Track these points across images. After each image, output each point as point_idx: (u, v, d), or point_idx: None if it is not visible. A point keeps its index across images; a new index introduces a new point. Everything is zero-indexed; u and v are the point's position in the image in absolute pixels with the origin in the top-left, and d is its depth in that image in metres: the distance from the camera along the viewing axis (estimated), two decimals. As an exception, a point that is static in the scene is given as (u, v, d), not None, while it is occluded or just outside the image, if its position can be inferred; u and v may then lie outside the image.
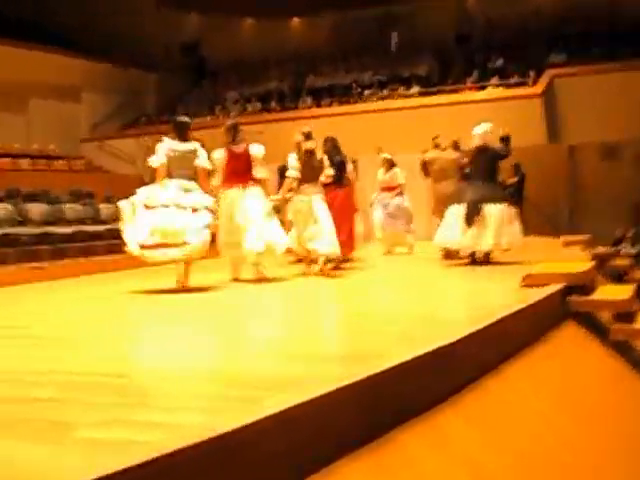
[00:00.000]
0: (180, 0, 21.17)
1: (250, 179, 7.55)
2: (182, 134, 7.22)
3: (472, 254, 8.70)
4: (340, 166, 9.02)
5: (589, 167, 15.87)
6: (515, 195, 15.03)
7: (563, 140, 15.82)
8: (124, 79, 20.47)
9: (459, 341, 3.75)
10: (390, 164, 11.71)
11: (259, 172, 7.63)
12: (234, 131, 7.75)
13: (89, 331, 4.97)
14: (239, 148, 7.68)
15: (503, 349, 4.41)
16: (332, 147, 9.20)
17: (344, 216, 8.73)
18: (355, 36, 21.06)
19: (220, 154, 7.65)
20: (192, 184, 6.96)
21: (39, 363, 3.81)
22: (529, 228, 14.86)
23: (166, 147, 7.14)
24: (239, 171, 7.53)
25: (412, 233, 11.46)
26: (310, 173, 7.93)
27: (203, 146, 7.35)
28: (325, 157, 8.21)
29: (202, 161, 7.08)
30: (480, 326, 4.08)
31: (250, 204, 7.46)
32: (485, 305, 5.28)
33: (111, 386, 3.19)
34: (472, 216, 8.33)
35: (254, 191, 7.54)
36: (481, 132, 9.15)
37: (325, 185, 8.08)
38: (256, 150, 7.71)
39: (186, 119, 7.54)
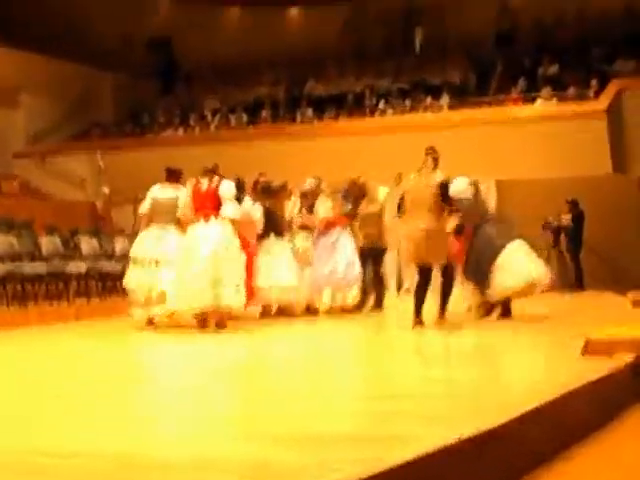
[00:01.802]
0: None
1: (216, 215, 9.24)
2: (170, 179, 9.81)
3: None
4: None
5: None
6: (571, 238, 15.19)
7: (632, 170, 15.98)
8: (74, 79, 20.70)
9: (508, 423, 3.77)
10: None
11: (227, 211, 9.26)
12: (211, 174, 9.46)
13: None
14: (205, 184, 9.37)
15: (560, 436, 4.42)
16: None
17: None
18: (370, 32, 21.34)
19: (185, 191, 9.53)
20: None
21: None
22: (588, 281, 15.11)
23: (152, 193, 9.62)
24: (204, 207, 9.23)
25: None
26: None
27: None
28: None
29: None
30: (532, 406, 4.10)
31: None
32: (536, 380, 5.31)
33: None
34: None
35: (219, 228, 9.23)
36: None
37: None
38: (225, 188, 9.35)
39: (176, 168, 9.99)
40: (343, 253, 11.34)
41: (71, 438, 3.89)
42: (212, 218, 9.19)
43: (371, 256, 11.73)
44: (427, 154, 9.36)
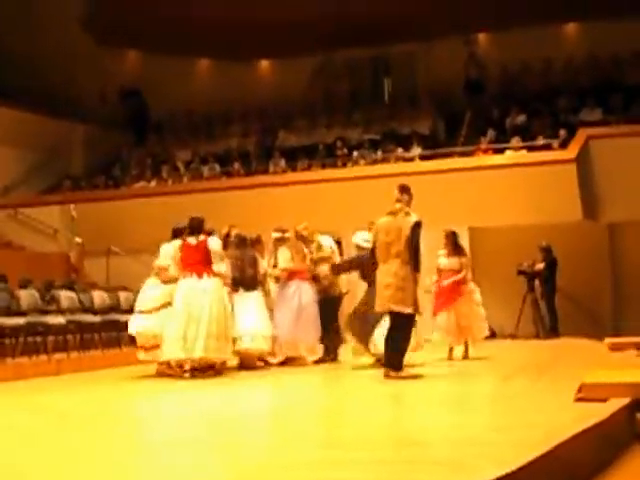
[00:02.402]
0: (119, 35, 21.62)
1: (208, 271, 9.85)
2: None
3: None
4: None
5: (635, 250, 16.25)
6: (545, 284, 15.36)
7: (602, 217, 16.25)
8: (45, 131, 20.71)
9: (521, 469, 3.83)
10: None
11: (217, 267, 9.93)
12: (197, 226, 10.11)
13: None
14: (194, 240, 9.99)
15: (572, 479, 4.49)
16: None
17: None
18: (340, 83, 21.62)
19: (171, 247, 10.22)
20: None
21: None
22: (562, 327, 15.28)
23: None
24: (194, 262, 9.84)
25: None
26: None
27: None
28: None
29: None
30: (543, 450, 4.17)
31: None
32: (537, 425, 5.37)
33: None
34: None
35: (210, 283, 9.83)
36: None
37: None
38: (215, 243, 10.07)
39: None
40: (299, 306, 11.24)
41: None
42: (204, 274, 9.79)
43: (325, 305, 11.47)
44: (399, 194, 8.99)
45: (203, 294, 9.71)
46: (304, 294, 11.30)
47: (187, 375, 9.70)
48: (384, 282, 8.81)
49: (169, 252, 10.36)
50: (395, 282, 8.70)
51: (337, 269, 11.25)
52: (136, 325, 10.44)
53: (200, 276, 9.84)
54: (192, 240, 10.01)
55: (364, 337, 10.39)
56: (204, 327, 9.54)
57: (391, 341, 8.81)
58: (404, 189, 9.09)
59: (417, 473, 4.05)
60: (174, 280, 10.11)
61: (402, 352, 8.78)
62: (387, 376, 8.73)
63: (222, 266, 10.05)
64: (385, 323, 9.39)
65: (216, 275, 9.91)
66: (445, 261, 11.62)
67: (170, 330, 9.65)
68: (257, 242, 11.56)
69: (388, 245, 8.81)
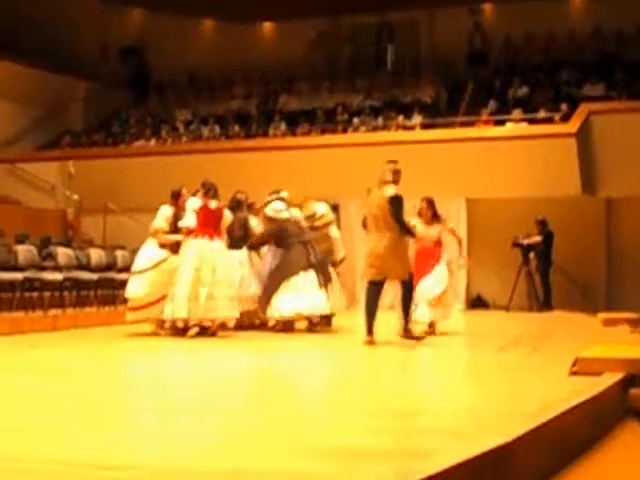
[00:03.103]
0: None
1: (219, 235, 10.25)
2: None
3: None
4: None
5: (632, 226, 16.30)
6: (540, 257, 15.41)
7: (600, 192, 16.26)
8: (45, 86, 20.63)
9: (519, 439, 3.89)
10: None
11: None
12: (213, 192, 10.30)
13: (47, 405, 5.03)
14: (214, 204, 10.26)
15: (562, 452, 4.56)
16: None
17: None
18: (343, 49, 21.53)
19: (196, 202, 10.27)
20: None
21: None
22: (558, 301, 15.37)
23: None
24: (210, 224, 10.12)
25: None
26: None
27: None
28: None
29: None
30: (540, 421, 4.23)
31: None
32: (533, 397, 5.45)
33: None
34: None
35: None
36: None
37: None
38: (228, 214, 10.56)
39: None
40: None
41: (109, 450, 3.94)
42: (215, 237, 10.17)
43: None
44: (387, 166, 9.23)
45: (214, 255, 9.98)
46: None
47: (192, 333, 9.82)
48: (375, 252, 9.10)
49: (167, 214, 10.57)
50: (386, 254, 9.00)
51: (253, 244, 11.41)
52: (129, 289, 10.60)
53: (212, 239, 10.09)
54: (212, 204, 10.23)
55: (264, 300, 10.77)
56: (217, 288, 9.81)
57: (402, 308, 9.20)
58: (392, 162, 9.34)
59: (419, 440, 4.12)
60: (170, 243, 10.40)
61: (409, 315, 9.26)
62: (371, 343, 9.05)
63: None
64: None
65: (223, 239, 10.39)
66: (423, 230, 11.33)
67: (178, 289, 9.81)
68: (250, 207, 11.71)
69: (375, 217, 9.14)
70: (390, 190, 9.01)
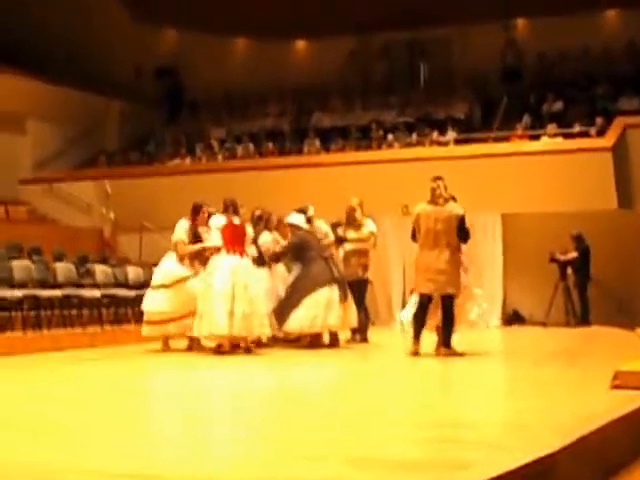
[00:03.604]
0: (157, 13, 21.72)
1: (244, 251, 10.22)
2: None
3: None
4: None
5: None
6: (578, 272, 15.34)
7: (636, 206, 16.18)
8: (81, 106, 20.87)
9: (559, 452, 3.89)
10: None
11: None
12: (232, 208, 10.31)
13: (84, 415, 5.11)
14: (237, 220, 10.30)
15: (603, 466, 4.55)
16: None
17: None
18: (375, 65, 21.60)
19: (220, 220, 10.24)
20: None
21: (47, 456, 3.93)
22: (596, 316, 15.26)
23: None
24: (237, 241, 10.14)
25: None
26: None
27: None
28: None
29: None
30: (580, 434, 4.23)
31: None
32: (572, 411, 5.43)
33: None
34: None
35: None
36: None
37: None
38: (250, 230, 10.60)
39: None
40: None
41: (136, 460, 4.00)
42: (244, 254, 10.22)
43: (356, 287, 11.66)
44: (435, 182, 9.47)
45: (246, 273, 10.04)
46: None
47: (226, 349, 9.91)
48: (435, 267, 9.34)
49: (185, 227, 10.70)
50: (448, 269, 9.30)
51: (275, 257, 11.41)
52: (146, 302, 10.74)
53: (242, 255, 10.15)
54: (236, 220, 10.26)
55: (282, 314, 10.76)
56: (250, 305, 9.86)
57: (446, 321, 9.36)
58: (440, 178, 9.58)
59: (459, 452, 4.13)
60: (190, 253, 10.59)
61: (452, 331, 9.43)
62: (416, 353, 9.35)
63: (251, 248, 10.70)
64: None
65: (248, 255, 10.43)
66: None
67: (215, 306, 9.75)
68: (267, 222, 11.66)
69: (438, 233, 9.35)
70: (458, 209, 9.42)
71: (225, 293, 9.75)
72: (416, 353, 9.33)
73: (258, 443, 4.52)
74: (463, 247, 9.86)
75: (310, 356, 10.10)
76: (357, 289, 11.60)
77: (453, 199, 9.60)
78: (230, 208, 10.24)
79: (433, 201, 9.42)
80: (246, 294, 9.86)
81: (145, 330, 10.70)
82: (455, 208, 9.42)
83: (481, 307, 10.45)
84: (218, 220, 10.22)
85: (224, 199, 10.43)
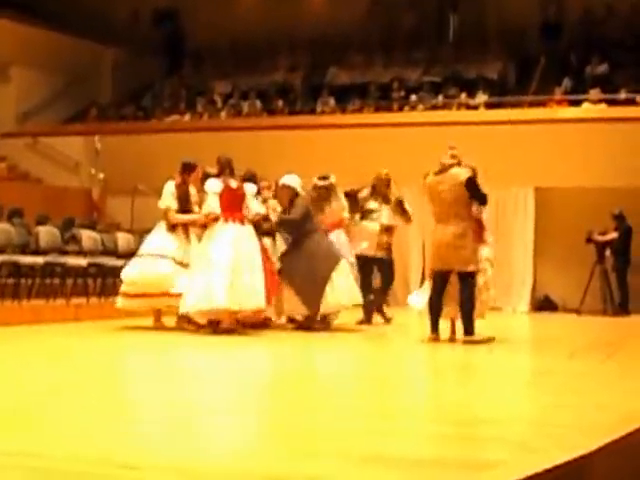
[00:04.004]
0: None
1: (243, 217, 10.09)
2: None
3: None
4: None
5: None
6: (617, 255, 15.30)
7: (686, 183, 16.07)
8: (71, 54, 20.80)
9: (596, 452, 3.89)
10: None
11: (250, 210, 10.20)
12: (228, 167, 10.19)
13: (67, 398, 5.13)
14: (235, 183, 10.19)
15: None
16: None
17: None
18: (400, 17, 21.45)
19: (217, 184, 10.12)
20: None
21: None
22: (636, 304, 15.22)
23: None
24: (236, 207, 10.02)
25: None
26: None
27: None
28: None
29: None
30: (618, 434, 4.23)
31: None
32: (608, 408, 5.43)
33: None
34: None
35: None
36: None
37: None
38: (250, 188, 10.32)
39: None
40: None
41: (131, 449, 4.04)
42: (245, 221, 10.10)
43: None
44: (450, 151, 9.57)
45: (250, 242, 10.00)
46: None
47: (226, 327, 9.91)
48: (441, 240, 9.35)
49: (173, 190, 10.60)
50: (457, 242, 9.23)
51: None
52: (126, 271, 10.69)
53: (242, 223, 10.05)
54: (233, 183, 10.16)
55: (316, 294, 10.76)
56: (256, 277, 9.80)
57: (464, 303, 9.26)
58: (453, 148, 9.66)
59: (480, 451, 4.14)
60: (182, 223, 10.53)
61: (472, 314, 9.28)
62: (436, 340, 9.35)
63: (257, 207, 10.44)
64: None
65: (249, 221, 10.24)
66: None
67: (214, 280, 9.67)
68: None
69: (444, 204, 9.37)
70: (464, 172, 9.36)
71: (226, 266, 9.67)
72: (435, 341, 9.32)
73: (256, 436, 4.53)
74: (484, 215, 9.90)
75: (313, 340, 10.10)
76: (384, 269, 12.02)
77: (458, 165, 9.53)
78: (227, 169, 10.14)
79: (440, 171, 9.49)
80: (252, 265, 9.83)
81: (120, 302, 10.69)
82: (460, 173, 9.35)
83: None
84: (214, 184, 10.13)
85: (218, 157, 10.30)
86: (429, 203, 9.66)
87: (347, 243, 11.68)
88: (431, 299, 9.48)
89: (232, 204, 10.02)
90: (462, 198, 9.29)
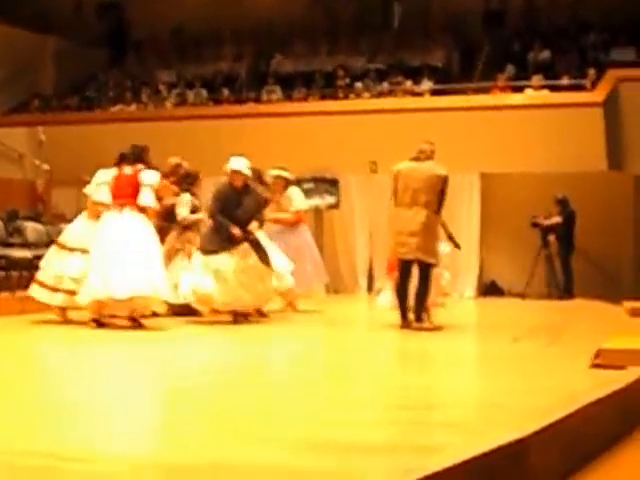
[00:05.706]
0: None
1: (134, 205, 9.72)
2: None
3: None
4: None
5: (662, 206, 16.32)
6: (561, 239, 15.47)
7: (628, 167, 16.26)
8: (12, 44, 20.55)
9: (535, 435, 3.95)
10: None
11: (144, 199, 9.76)
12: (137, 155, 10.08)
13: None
14: (131, 170, 9.91)
15: (582, 450, 4.62)
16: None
17: None
18: (345, 6, 21.46)
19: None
20: None
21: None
22: (580, 288, 15.42)
23: None
24: (124, 195, 9.74)
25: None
26: None
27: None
28: None
29: None
30: (558, 416, 4.29)
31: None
32: (550, 391, 5.51)
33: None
34: None
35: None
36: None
37: None
38: (148, 177, 9.87)
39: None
40: None
41: (83, 442, 4.03)
42: (128, 208, 9.74)
43: None
44: (427, 144, 9.82)
45: (129, 231, 9.63)
46: None
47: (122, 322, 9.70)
48: (408, 229, 9.51)
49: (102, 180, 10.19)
50: (422, 231, 9.45)
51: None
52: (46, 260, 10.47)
53: (123, 210, 9.77)
54: (128, 170, 9.93)
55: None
56: (129, 266, 9.35)
57: (418, 290, 9.49)
58: (432, 143, 9.93)
59: (426, 435, 4.18)
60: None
61: (424, 303, 9.55)
62: (406, 327, 9.51)
63: (147, 199, 9.88)
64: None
65: (141, 210, 9.84)
66: None
67: (94, 270, 9.46)
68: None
69: (416, 191, 9.57)
70: (441, 169, 9.67)
71: (103, 256, 9.42)
72: (407, 326, 9.50)
73: (206, 425, 4.54)
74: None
75: (260, 329, 10.11)
76: None
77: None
78: (130, 159, 9.98)
79: (417, 158, 9.70)
80: (137, 253, 9.48)
81: (33, 290, 10.43)
82: (437, 167, 9.66)
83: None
84: (102, 174, 10.07)
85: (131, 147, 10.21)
86: (397, 189, 9.74)
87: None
88: (398, 289, 9.68)
89: (121, 191, 9.76)
90: (434, 189, 9.52)
